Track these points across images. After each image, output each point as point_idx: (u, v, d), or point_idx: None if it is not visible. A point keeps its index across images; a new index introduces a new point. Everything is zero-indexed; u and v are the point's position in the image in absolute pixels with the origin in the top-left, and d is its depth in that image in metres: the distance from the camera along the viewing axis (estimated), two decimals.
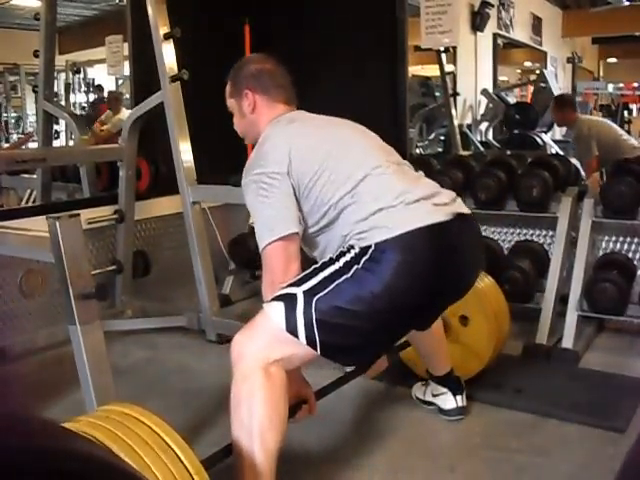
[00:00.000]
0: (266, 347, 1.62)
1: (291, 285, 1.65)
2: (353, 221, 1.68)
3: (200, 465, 1.34)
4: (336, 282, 1.62)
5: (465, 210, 1.79)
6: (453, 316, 2.41)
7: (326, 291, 1.61)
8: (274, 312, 1.63)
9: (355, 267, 1.62)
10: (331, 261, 1.68)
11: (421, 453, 2.12)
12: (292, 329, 1.60)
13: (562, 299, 2.98)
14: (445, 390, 2.27)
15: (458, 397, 2.27)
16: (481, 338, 2.43)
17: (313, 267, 1.68)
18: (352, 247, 1.67)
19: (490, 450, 2.11)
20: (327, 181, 1.72)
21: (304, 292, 1.62)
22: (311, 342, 1.61)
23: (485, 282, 2.51)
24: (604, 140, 4.66)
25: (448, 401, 2.27)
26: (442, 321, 2.26)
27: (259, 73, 1.96)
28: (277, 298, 1.65)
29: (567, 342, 2.85)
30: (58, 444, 0.76)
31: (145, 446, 1.29)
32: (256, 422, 1.58)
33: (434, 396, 2.31)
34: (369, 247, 1.62)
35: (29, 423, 0.82)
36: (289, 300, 1.62)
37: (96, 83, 5.74)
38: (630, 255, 3.17)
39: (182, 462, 1.31)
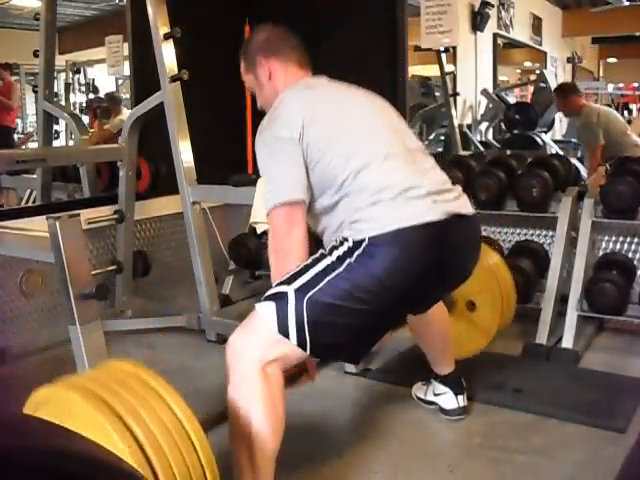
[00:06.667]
0: (261, 349, 1.61)
1: (282, 282, 1.64)
2: (352, 208, 1.66)
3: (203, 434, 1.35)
4: (328, 278, 1.60)
5: (467, 210, 1.78)
6: (462, 298, 2.43)
7: (317, 288, 1.59)
8: (266, 313, 1.62)
9: (348, 261, 1.61)
10: (323, 256, 1.67)
11: (421, 453, 2.12)
12: (284, 331, 1.59)
13: (562, 299, 2.98)
14: (447, 390, 2.28)
15: (459, 397, 2.27)
16: (488, 317, 2.44)
17: (304, 264, 1.66)
18: (345, 240, 1.65)
19: (490, 450, 2.11)
20: (332, 160, 1.69)
21: (295, 290, 1.60)
22: (302, 343, 1.60)
23: (493, 260, 2.51)
24: (612, 131, 4.62)
25: (450, 401, 2.28)
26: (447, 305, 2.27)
27: (268, 40, 1.96)
28: (269, 297, 1.64)
29: (567, 342, 2.85)
30: (58, 444, 0.76)
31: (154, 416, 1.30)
32: (254, 426, 1.57)
33: (436, 395, 2.31)
34: (362, 241, 1.61)
35: (29, 423, 0.82)
36: (280, 300, 1.61)
37: (94, 84, 5.74)
38: (630, 255, 3.17)
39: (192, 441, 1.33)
